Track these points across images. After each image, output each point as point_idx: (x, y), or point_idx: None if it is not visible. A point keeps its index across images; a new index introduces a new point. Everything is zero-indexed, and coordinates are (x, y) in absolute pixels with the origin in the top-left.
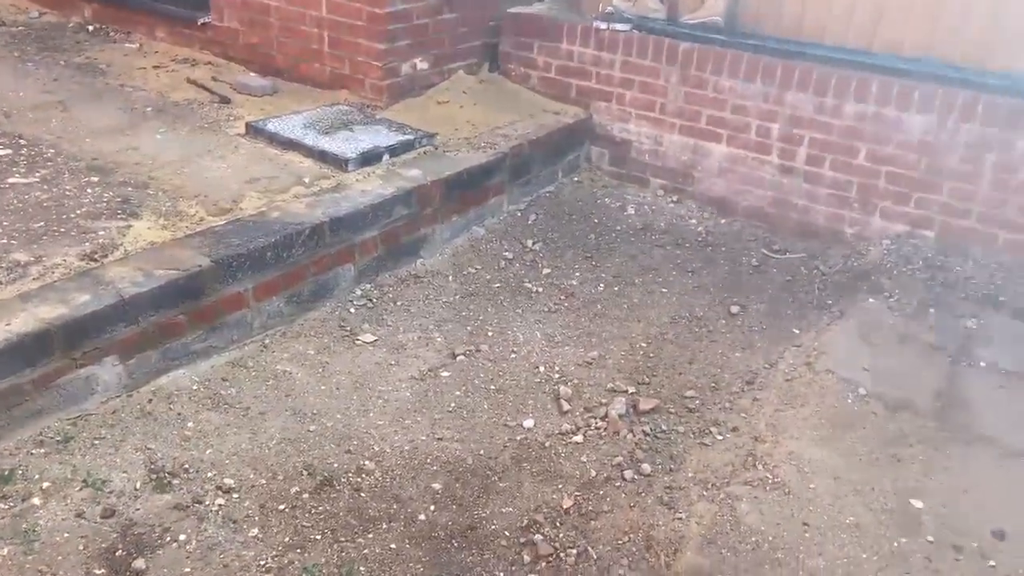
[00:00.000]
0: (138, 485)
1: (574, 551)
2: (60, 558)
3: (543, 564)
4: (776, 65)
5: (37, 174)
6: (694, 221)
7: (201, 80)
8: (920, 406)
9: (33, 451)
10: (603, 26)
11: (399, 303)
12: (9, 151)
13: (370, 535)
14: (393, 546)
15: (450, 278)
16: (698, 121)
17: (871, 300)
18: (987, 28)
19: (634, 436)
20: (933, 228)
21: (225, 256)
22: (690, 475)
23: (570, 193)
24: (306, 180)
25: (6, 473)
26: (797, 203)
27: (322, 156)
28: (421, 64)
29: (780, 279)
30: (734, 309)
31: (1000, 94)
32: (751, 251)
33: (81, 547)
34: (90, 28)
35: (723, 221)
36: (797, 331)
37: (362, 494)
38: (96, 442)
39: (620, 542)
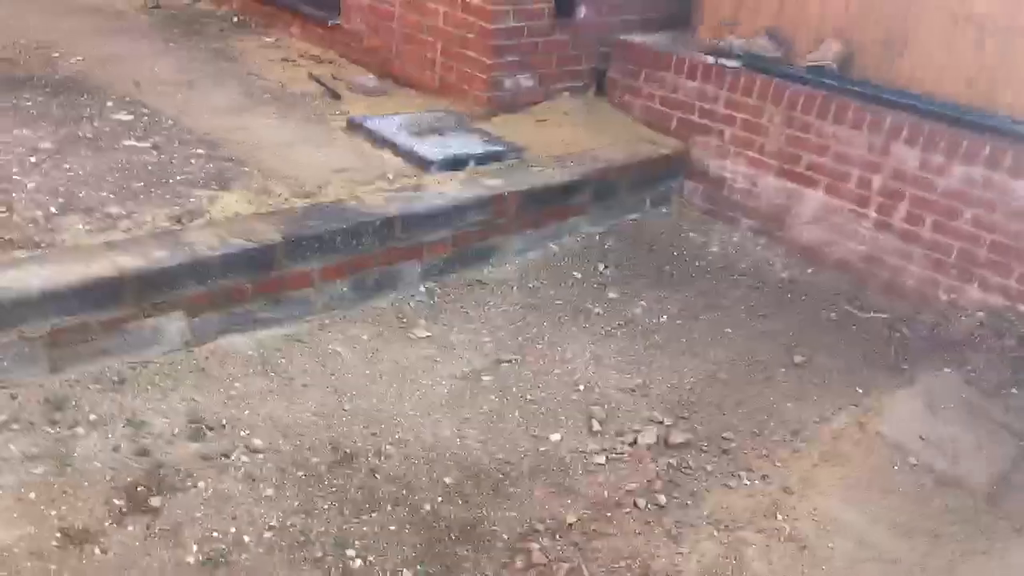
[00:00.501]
0: (175, 431)
1: (566, 566)
2: (87, 484)
3: (533, 572)
4: (885, 116)
5: (150, 140)
6: (779, 266)
7: (320, 75)
8: (974, 486)
9: (90, 386)
10: (711, 61)
11: (459, 305)
12: (131, 117)
13: (374, 514)
14: (392, 528)
15: (515, 288)
16: (797, 165)
17: (947, 370)
18: None
19: (657, 467)
20: None
21: (297, 235)
22: (705, 514)
23: (655, 223)
24: (390, 176)
25: (60, 399)
26: (890, 261)
27: (409, 156)
28: (526, 81)
29: (857, 336)
30: (798, 359)
31: None
32: (833, 304)
33: (108, 478)
34: (235, 19)
35: (809, 270)
36: (860, 390)
37: (377, 475)
38: (149, 387)
39: (616, 566)
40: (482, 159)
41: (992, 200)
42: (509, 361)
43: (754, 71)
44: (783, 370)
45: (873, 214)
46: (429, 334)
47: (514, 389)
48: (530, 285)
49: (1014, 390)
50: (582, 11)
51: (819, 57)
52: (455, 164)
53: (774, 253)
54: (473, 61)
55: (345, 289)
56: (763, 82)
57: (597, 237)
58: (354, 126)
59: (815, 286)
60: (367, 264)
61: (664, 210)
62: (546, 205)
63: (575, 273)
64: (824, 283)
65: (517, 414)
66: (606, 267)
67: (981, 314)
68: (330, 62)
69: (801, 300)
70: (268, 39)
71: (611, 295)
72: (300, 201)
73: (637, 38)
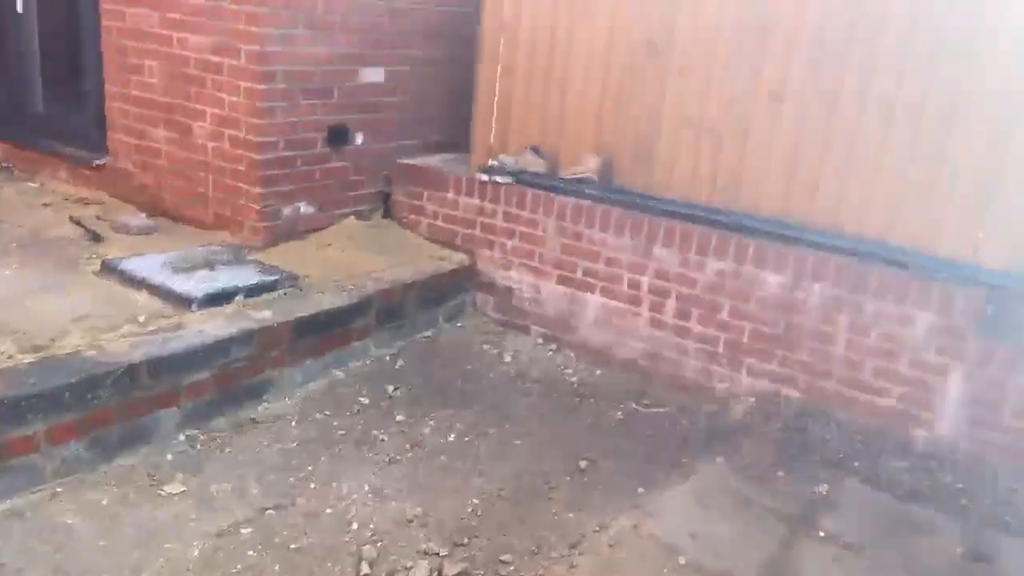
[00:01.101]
0: None
1: None
2: None
3: None
4: (643, 221)
5: None
6: (569, 371)
7: (81, 218)
8: None
9: None
10: (485, 178)
11: (227, 450)
12: None
13: None
14: None
15: (293, 423)
16: (574, 272)
17: (720, 460)
18: (835, 194)
19: None
20: (798, 387)
21: (15, 396)
22: None
23: (449, 338)
24: (141, 319)
25: None
26: (669, 356)
27: (167, 295)
28: (306, 208)
29: (642, 434)
30: (583, 464)
31: (848, 256)
32: (621, 404)
33: None
34: None
35: (598, 372)
36: (642, 490)
37: None
38: None
39: None
40: (253, 291)
41: (745, 291)
42: (275, 507)
43: (525, 186)
44: (568, 479)
45: (647, 313)
46: (185, 488)
47: (277, 540)
48: (311, 418)
49: (780, 473)
50: (359, 138)
51: (581, 170)
52: (221, 299)
53: (564, 358)
54: (246, 193)
55: (81, 450)
56: (534, 195)
57: (387, 358)
58: (108, 269)
59: (604, 387)
60: (107, 419)
61: (459, 324)
62: (326, 332)
63: (362, 399)
64: (612, 384)
65: (277, 568)
66: (396, 389)
67: (752, 400)
68: (99, 203)
69: (590, 403)
70: (32, 184)
71: (399, 418)
72: (28, 356)
73: (418, 161)
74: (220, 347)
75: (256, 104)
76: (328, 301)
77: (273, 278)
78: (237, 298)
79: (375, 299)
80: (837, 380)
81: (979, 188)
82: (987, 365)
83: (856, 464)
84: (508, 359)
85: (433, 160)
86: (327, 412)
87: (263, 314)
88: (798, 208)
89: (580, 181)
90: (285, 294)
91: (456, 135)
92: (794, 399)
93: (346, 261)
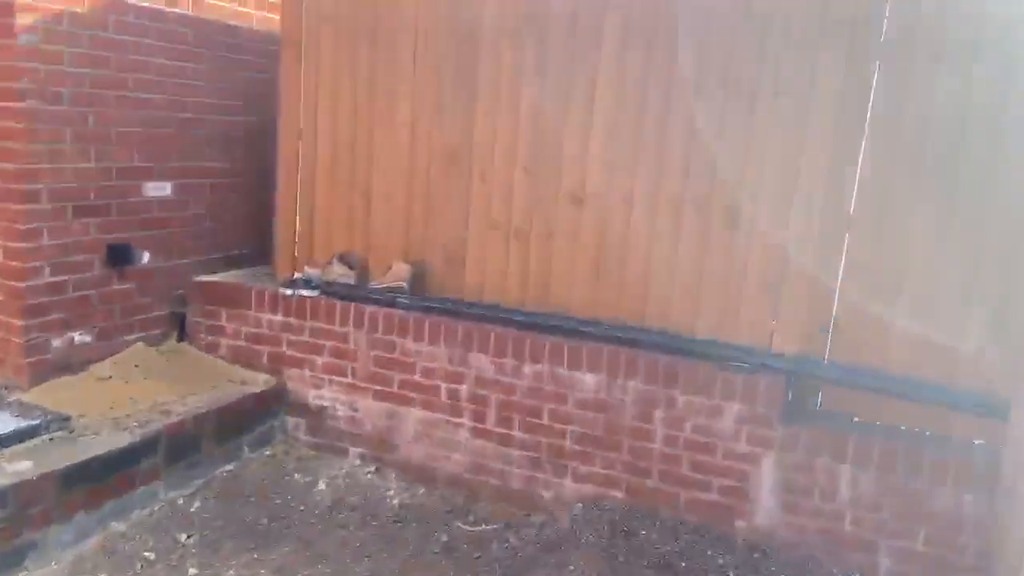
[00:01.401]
0: None
1: None
2: None
3: None
4: (457, 328)
5: None
6: (391, 493)
7: None
8: None
9: None
10: (288, 292)
11: None
12: None
13: None
14: None
15: None
16: (391, 385)
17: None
18: (640, 291)
19: None
20: (621, 489)
21: None
22: None
23: (255, 471)
24: None
25: None
26: (493, 467)
27: None
28: (81, 338)
29: (469, 557)
30: None
31: (657, 351)
32: (446, 525)
33: None
34: None
35: (421, 491)
36: None
37: None
38: None
39: None
40: (8, 440)
41: (563, 393)
42: None
43: (334, 298)
44: None
45: (468, 423)
46: None
47: None
48: None
49: None
50: (145, 257)
51: (392, 279)
52: None
53: (385, 480)
54: (6, 325)
55: None
56: (343, 308)
57: (181, 501)
58: None
59: (428, 508)
60: None
61: (267, 453)
62: (101, 480)
63: (147, 554)
64: (436, 503)
65: None
66: (189, 537)
67: (579, 506)
68: None
69: (413, 527)
70: None
71: (192, 571)
72: None
73: (215, 277)
74: None
75: (16, 227)
76: (104, 444)
77: (35, 422)
78: None
79: (163, 435)
80: (659, 478)
81: (766, 279)
82: (793, 450)
83: (683, 564)
84: (323, 487)
85: (233, 275)
86: (103, 574)
87: (20, 466)
88: (607, 306)
89: (391, 290)
90: (51, 440)
91: (261, 247)
92: (619, 501)
93: (130, 394)
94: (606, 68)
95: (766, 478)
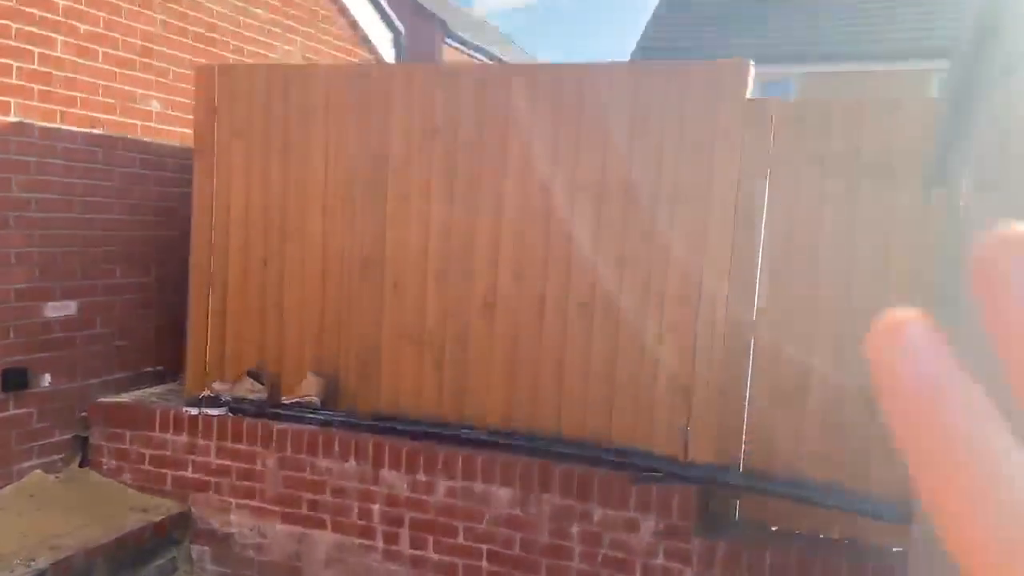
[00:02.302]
0: None
1: None
2: None
3: None
4: (367, 442)
5: None
6: None
7: None
8: None
9: None
10: (194, 411)
11: None
12: None
13: None
14: None
15: None
16: (299, 507)
17: None
18: (553, 398)
19: None
20: None
21: None
22: None
23: None
24: None
25: None
26: None
27: None
28: None
29: None
30: None
31: (572, 462)
32: None
33: None
34: None
35: None
36: None
37: None
38: None
39: None
40: None
41: (478, 510)
42: None
43: (241, 415)
44: None
45: (381, 545)
46: None
47: None
48: None
49: None
50: (46, 379)
51: (302, 393)
52: None
53: None
54: None
55: None
56: (250, 425)
57: None
58: None
59: None
60: None
61: None
62: None
63: None
64: None
65: None
66: None
67: None
68: None
69: None
70: None
71: None
72: None
73: (120, 397)
74: None
75: None
76: None
77: None
78: None
79: (49, 574)
80: None
81: (679, 383)
82: (711, 565)
83: None
84: None
85: (140, 395)
86: None
87: None
88: (521, 415)
89: (301, 406)
90: None
91: (176, 363)
92: None
93: (22, 529)
94: (512, 177)
95: None
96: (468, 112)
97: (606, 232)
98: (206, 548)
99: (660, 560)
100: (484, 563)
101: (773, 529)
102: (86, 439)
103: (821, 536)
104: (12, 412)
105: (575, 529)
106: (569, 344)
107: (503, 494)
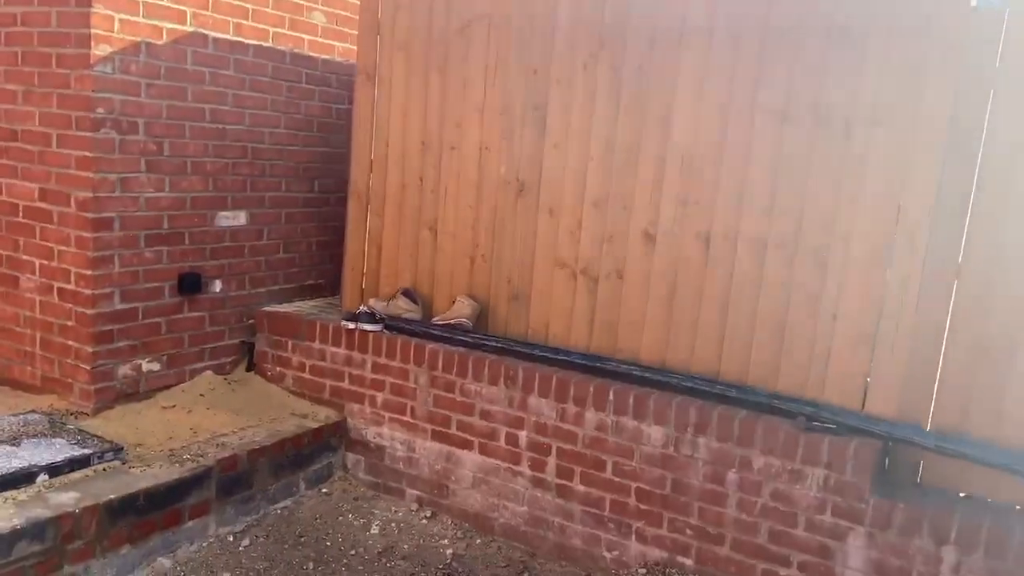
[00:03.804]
0: None
1: None
2: None
3: None
4: (517, 368)
5: None
6: (445, 541)
7: None
8: None
9: None
10: (351, 326)
11: None
12: None
13: None
14: None
15: None
16: (449, 426)
17: None
18: (715, 339)
19: None
20: (691, 555)
21: None
22: None
23: (311, 509)
24: None
25: None
26: (553, 521)
27: None
28: (149, 365)
29: None
30: None
31: (732, 405)
32: None
33: None
34: None
35: (478, 541)
36: None
37: None
38: None
39: None
40: (59, 469)
41: (628, 446)
42: None
43: (396, 333)
44: None
45: (528, 472)
46: None
47: None
48: None
49: None
50: (217, 285)
51: (454, 315)
52: (14, 482)
53: (441, 526)
54: (75, 351)
55: None
56: (404, 344)
57: (231, 538)
58: None
59: (483, 562)
60: None
61: (325, 490)
62: (148, 513)
63: None
64: (492, 556)
65: None
66: None
67: (643, 571)
68: None
69: None
70: None
71: None
72: None
73: (283, 308)
74: None
75: (87, 254)
76: (152, 476)
77: (88, 451)
78: (41, 478)
79: (216, 469)
80: (732, 547)
81: (862, 329)
82: (887, 528)
83: None
84: (375, 531)
85: (301, 306)
86: None
87: (64, 497)
88: (678, 354)
89: (452, 327)
90: (105, 470)
91: (336, 277)
92: (688, 568)
93: (191, 424)
94: (683, 93)
95: (854, 559)
96: (637, 23)
97: (786, 160)
98: (360, 458)
99: (827, 516)
100: (632, 500)
101: (961, 495)
102: (252, 345)
103: (1018, 508)
104: (186, 315)
105: (732, 475)
106: (736, 282)
107: (655, 432)
